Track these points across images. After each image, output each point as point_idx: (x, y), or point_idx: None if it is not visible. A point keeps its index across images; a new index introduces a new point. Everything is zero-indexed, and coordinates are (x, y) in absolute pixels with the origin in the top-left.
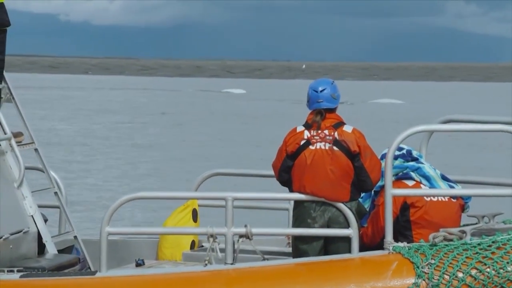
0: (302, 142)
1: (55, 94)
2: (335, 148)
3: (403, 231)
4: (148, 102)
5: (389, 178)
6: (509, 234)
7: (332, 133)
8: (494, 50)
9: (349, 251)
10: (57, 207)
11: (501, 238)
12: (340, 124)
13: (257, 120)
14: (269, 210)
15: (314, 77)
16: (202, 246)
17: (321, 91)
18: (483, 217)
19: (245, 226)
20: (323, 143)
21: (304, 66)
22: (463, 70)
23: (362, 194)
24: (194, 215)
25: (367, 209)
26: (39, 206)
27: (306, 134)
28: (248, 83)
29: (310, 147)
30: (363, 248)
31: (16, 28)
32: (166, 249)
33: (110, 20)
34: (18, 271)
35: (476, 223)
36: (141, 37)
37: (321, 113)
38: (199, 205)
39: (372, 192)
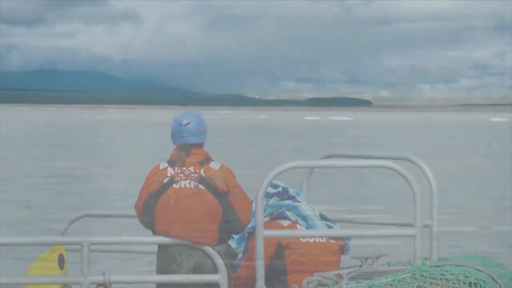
0: (165, 180)
1: None
2: (200, 186)
3: (277, 275)
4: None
5: (259, 218)
6: (387, 278)
7: (198, 170)
8: None
9: None
10: None
11: (378, 282)
12: (206, 160)
13: None
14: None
15: None
16: None
17: (185, 124)
18: (366, 259)
19: (103, 273)
20: (188, 181)
21: None
22: None
23: (237, 236)
24: (61, 261)
25: (242, 252)
26: None
27: (170, 171)
28: None
29: (174, 185)
30: None
31: None
32: None
33: None
34: None
35: (360, 266)
36: None
37: (186, 149)
38: (67, 250)
39: (246, 234)
